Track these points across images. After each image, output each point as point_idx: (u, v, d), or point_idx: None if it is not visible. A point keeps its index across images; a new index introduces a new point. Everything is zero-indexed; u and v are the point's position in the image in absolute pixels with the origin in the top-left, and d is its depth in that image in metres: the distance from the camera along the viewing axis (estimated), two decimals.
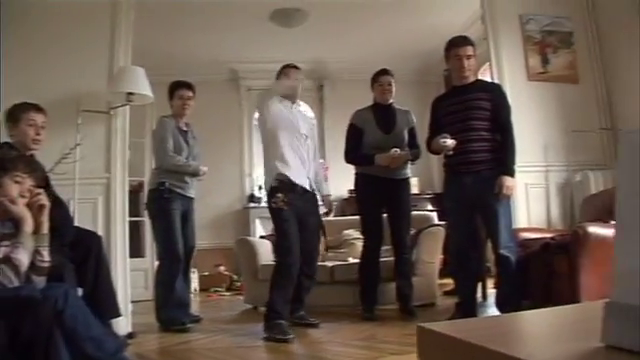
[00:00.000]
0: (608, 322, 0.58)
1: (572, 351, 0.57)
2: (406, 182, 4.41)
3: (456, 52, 3.73)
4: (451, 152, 3.63)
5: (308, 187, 3.97)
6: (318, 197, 4.20)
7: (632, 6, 4.62)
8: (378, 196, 4.28)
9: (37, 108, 3.21)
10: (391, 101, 4.42)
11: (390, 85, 4.39)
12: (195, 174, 4.32)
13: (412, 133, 4.42)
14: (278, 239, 3.91)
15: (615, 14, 4.97)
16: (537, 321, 0.79)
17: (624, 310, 0.56)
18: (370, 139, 4.30)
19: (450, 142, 3.58)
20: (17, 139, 3.15)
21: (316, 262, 4.18)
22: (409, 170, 4.44)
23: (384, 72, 4.42)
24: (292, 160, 3.87)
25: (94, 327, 2.27)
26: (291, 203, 3.79)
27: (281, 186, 3.81)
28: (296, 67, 4.15)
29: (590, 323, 0.61)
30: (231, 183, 8.14)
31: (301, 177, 3.90)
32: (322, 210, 4.36)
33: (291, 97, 4.09)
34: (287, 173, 3.82)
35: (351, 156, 4.40)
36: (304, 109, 4.34)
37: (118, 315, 3.31)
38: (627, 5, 4.74)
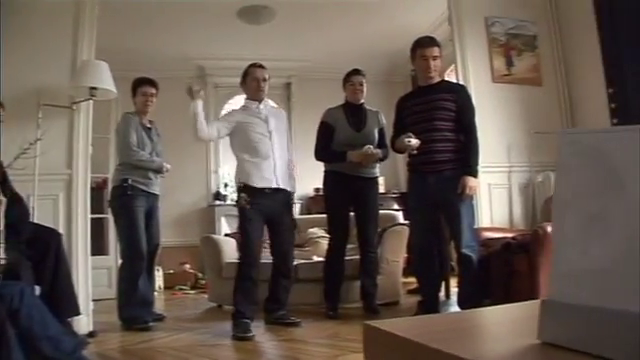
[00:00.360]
0: (544, 320, 0.59)
1: (509, 348, 0.58)
2: (374, 181, 4.44)
3: (422, 53, 3.76)
4: (415, 151, 3.66)
5: (275, 185, 3.94)
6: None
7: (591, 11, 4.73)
8: (347, 194, 4.28)
9: None
10: (362, 101, 4.44)
11: (362, 85, 4.40)
12: (159, 171, 4.29)
13: (381, 133, 4.43)
14: (241, 238, 3.97)
15: (577, 19, 5.07)
16: (483, 319, 0.81)
17: (559, 308, 0.57)
18: (341, 137, 4.30)
19: (414, 142, 3.61)
20: None
21: (291, 261, 4.19)
22: (378, 169, 4.47)
23: (356, 72, 4.43)
24: (254, 165, 3.93)
25: (51, 326, 2.24)
26: (257, 203, 3.83)
27: (246, 188, 3.88)
28: (261, 66, 4.17)
29: (533, 321, 0.62)
30: (197, 180, 8.08)
31: (265, 179, 3.92)
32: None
33: (257, 97, 4.11)
34: (249, 182, 3.89)
35: (322, 153, 4.39)
36: (271, 107, 4.36)
37: (77, 313, 3.25)
38: (589, 11, 4.84)
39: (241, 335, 3.55)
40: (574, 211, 0.59)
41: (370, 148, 4.15)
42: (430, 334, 0.63)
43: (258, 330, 3.73)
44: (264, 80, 4.13)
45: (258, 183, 3.89)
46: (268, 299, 4.10)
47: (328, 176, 4.43)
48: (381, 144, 4.39)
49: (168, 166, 4.35)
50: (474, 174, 3.65)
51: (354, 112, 4.39)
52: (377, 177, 4.49)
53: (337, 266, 4.29)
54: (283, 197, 4.04)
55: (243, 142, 4.00)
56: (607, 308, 0.52)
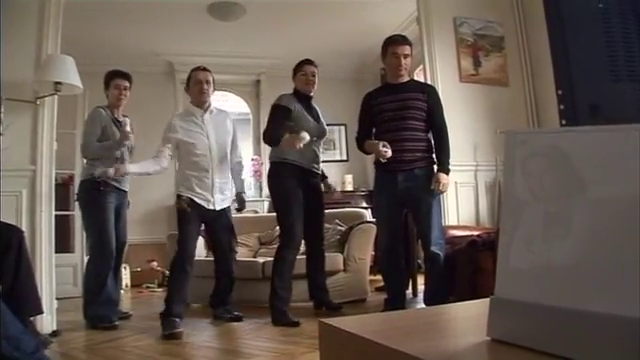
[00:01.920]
0: (492, 317, 0.60)
1: (457, 345, 0.59)
2: (317, 174, 4.19)
3: (394, 50, 3.77)
4: (384, 160, 3.62)
5: (212, 207, 4.05)
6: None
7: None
8: (302, 189, 3.97)
9: None
10: (312, 94, 4.17)
11: (314, 76, 4.12)
12: (120, 144, 4.17)
13: None
14: (178, 236, 4.04)
15: (543, 21, 5.15)
16: (438, 316, 0.82)
17: (505, 305, 0.58)
18: (305, 127, 3.91)
19: (390, 152, 3.58)
20: None
21: (231, 260, 4.24)
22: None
23: (308, 62, 4.17)
24: (195, 183, 4.02)
25: (10, 326, 2.20)
26: (196, 207, 3.99)
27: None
28: (205, 69, 4.14)
29: (486, 318, 0.63)
30: (164, 178, 7.93)
31: (204, 200, 4.03)
32: (234, 206, 4.44)
33: (201, 101, 4.11)
34: (194, 199, 4.00)
35: (276, 134, 3.89)
36: (216, 114, 4.23)
37: (40, 312, 3.20)
38: None
39: (169, 332, 3.55)
40: (512, 211, 0.60)
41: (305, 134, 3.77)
42: (382, 331, 0.63)
43: (221, 328, 3.75)
44: (207, 82, 4.10)
45: (201, 201, 4.02)
46: (212, 295, 4.25)
47: (283, 167, 4.00)
48: None
49: (131, 139, 4.23)
50: (447, 171, 3.71)
51: (307, 103, 4.13)
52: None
53: (291, 269, 3.98)
54: (223, 211, 4.15)
55: (184, 157, 4.09)
56: (554, 306, 0.53)
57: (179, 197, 4.05)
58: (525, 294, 0.56)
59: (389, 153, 3.57)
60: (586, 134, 0.56)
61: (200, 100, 4.10)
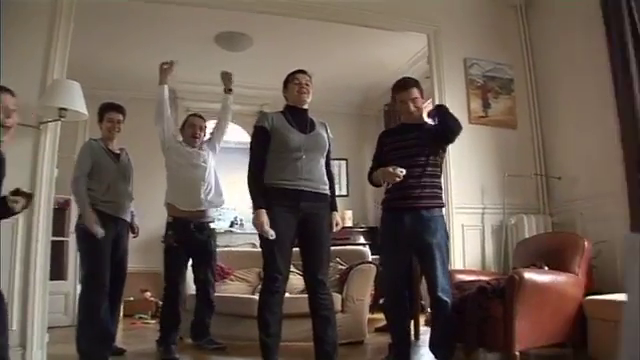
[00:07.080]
0: None
1: None
2: (321, 197, 3.40)
3: (401, 98, 3.68)
4: (397, 179, 3.42)
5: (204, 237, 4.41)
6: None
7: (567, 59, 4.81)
8: (292, 215, 3.25)
9: None
10: (306, 106, 3.57)
11: (308, 85, 3.55)
12: (82, 214, 3.97)
13: (329, 150, 3.56)
14: (165, 272, 4.34)
15: (552, 66, 5.15)
16: None
17: None
18: (291, 144, 3.32)
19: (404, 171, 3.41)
20: None
21: (211, 290, 4.50)
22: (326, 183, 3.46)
23: (302, 71, 3.67)
24: (183, 192, 4.40)
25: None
26: (181, 241, 4.29)
27: (174, 223, 4.37)
28: (201, 116, 4.74)
29: None
30: (161, 206, 7.88)
31: (191, 203, 4.37)
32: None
33: (192, 144, 4.55)
34: (177, 205, 4.36)
35: (259, 166, 3.34)
36: (205, 154, 4.62)
37: None
38: (563, 58, 4.94)
39: (171, 357, 4.01)
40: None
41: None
42: None
43: None
44: (200, 128, 4.61)
45: (185, 206, 4.34)
46: (193, 326, 4.50)
47: (268, 194, 3.27)
48: (327, 163, 3.54)
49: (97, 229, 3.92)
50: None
51: (297, 116, 3.48)
52: (327, 194, 3.46)
53: (272, 316, 3.20)
54: (207, 231, 4.47)
55: (174, 186, 4.46)
56: None
57: (167, 231, 4.35)
58: None
59: (404, 172, 3.41)
60: None
61: (191, 142, 4.55)
